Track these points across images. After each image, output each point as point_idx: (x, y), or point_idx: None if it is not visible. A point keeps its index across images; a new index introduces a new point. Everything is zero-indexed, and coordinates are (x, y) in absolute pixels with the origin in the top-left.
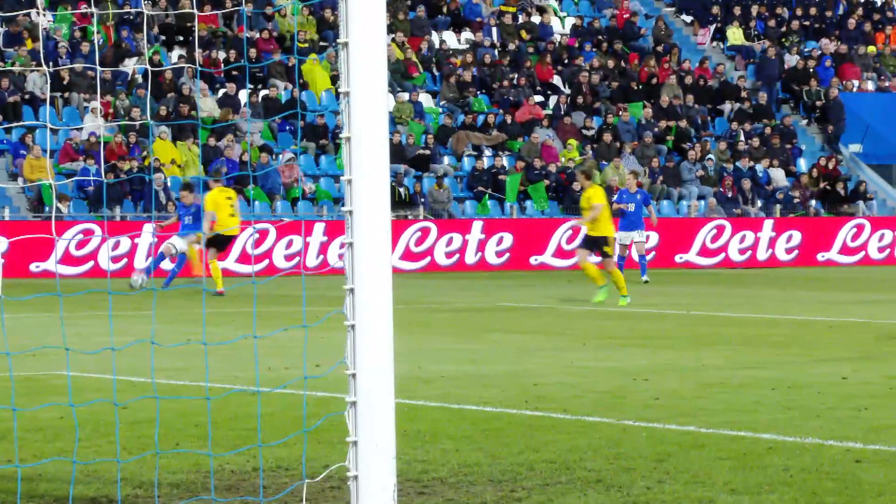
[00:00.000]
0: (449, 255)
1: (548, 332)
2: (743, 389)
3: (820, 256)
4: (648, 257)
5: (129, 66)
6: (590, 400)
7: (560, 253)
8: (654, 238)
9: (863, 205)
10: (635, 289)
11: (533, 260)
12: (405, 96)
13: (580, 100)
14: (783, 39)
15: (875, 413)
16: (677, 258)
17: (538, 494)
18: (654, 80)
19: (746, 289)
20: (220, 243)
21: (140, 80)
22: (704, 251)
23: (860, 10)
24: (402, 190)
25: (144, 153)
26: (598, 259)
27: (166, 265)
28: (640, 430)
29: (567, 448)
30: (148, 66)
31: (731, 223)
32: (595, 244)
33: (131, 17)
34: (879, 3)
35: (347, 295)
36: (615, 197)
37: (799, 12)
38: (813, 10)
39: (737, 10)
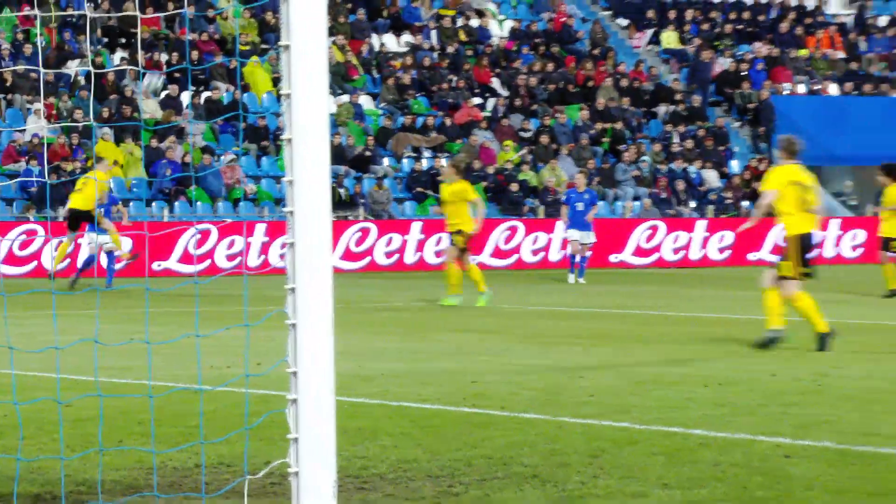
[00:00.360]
0: (389, 255)
1: (486, 331)
2: (675, 386)
3: (751, 256)
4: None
5: (72, 68)
6: (526, 397)
7: (498, 253)
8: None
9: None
10: (572, 288)
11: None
12: (346, 98)
13: (518, 102)
14: (717, 43)
15: (804, 409)
16: (612, 258)
17: (475, 489)
18: (591, 83)
19: (680, 288)
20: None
21: (83, 81)
22: (639, 251)
23: (792, 15)
24: (342, 191)
25: (87, 154)
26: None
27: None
28: (576, 427)
29: (504, 444)
30: (91, 68)
31: (666, 223)
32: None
33: (74, 20)
34: (811, 8)
35: (289, 294)
36: (563, 197)
37: (732, 16)
38: (746, 15)
39: (671, 15)
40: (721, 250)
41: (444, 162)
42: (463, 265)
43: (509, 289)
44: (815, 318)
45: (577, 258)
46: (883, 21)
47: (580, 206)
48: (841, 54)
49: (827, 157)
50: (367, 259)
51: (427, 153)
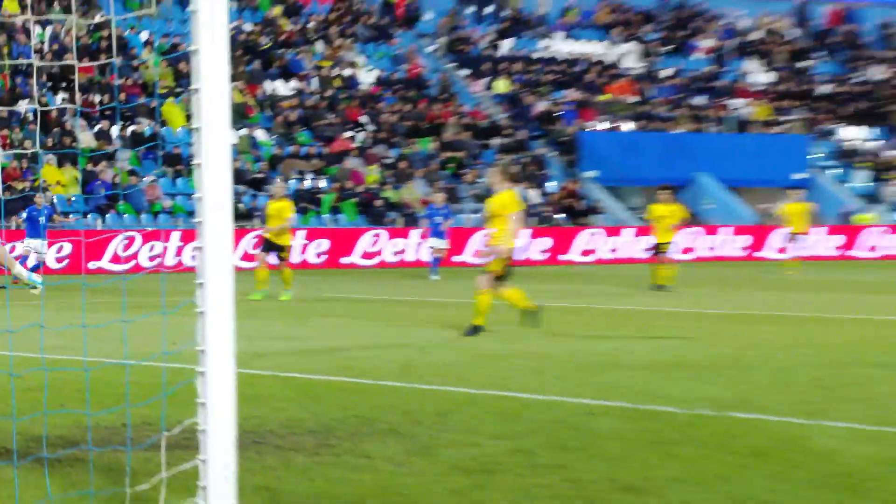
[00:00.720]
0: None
1: (357, 316)
2: (505, 359)
3: (562, 257)
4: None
5: (23, 106)
6: (388, 368)
7: (365, 255)
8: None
9: (596, 217)
10: (428, 283)
11: (343, 260)
12: (245, 132)
13: (382, 135)
14: (537, 89)
15: (603, 377)
16: (456, 258)
17: (347, 442)
18: (439, 121)
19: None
20: None
21: (31, 117)
22: (477, 253)
23: (596, 68)
24: (241, 205)
25: (35, 176)
26: (276, 261)
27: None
28: (427, 392)
29: (370, 406)
30: (37, 107)
31: None
32: (275, 248)
33: (24, 68)
34: (611, 62)
35: (198, 288)
36: (425, 212)
37: (549, 68)
38: (560, 67)
39: (502, 66)
40: (543, 251)
41: (275, 185)
42: (274, 267)
43: (375, 283)
44: (481, 313)
45: (431, 259)
46: (666, 73)
47: (438, 219)
48: (634, 98)
49: (623, 179)
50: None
51: (309, 176)
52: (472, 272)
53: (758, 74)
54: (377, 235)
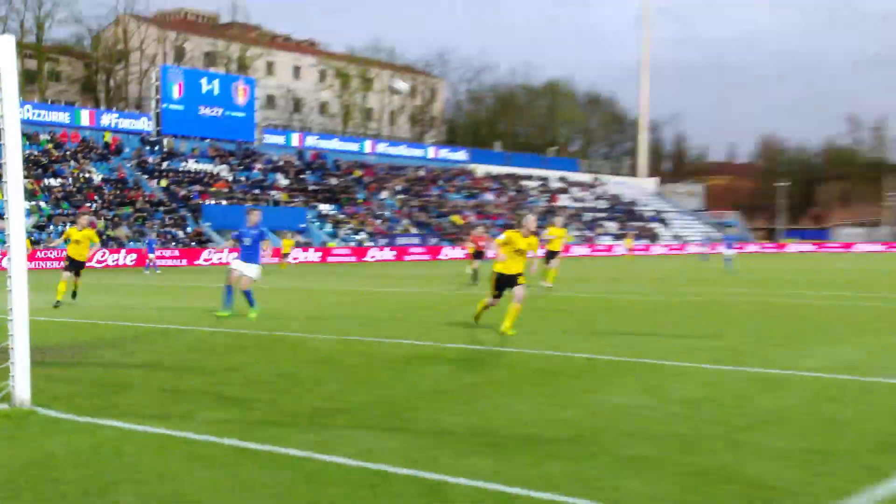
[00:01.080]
0: (57, 261)
1: (102, 290)
2: (169, 310)
3: (196, 263)
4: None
5: None
6: (111, 314)
7: (98, 262)
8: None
9: (211, 244)
10: (148, 276)
11: (88, 264)
12: (33, 203)
13: (105, 205)
14: (181, 184)
15: (223, 320)
16: (160, 262)
17: (89, 352)
18: (134, 199)
19: (193, 275)
20: None
21: None
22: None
23: (209, 175)
24: (31, 238)
25: None
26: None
27: None
28: (131, 326)
29: (101, 335)
30: None
31: (183, 251)
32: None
33: None
34: (215, 173)
35: (7, 276)
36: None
37: (189, 175)
38: (193, 174)
39: (164, 173)
40: (186, 260)
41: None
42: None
43: (108, 277)
44: (61, 293)
45: (152, 263)
46: (240, 178)
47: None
48: (227, 189)
49: (223, 226)
50: (37, 262)
51: (68, 224)
52: (165, 270)
53: (281, 181)
54: (104, 252)
